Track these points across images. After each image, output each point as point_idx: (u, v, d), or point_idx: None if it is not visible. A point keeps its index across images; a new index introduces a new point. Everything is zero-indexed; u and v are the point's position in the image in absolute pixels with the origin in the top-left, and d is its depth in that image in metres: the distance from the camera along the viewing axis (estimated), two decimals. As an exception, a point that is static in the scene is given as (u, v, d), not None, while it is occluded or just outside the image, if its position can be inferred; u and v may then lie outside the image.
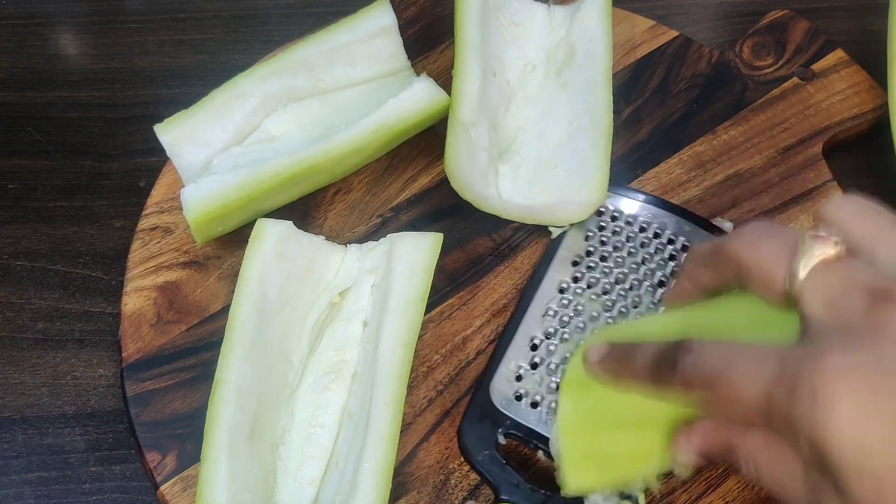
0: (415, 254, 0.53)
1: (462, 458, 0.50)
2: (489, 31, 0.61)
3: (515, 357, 0.52)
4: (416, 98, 0.58)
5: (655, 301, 0.53)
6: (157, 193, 0.59)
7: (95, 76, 0.69)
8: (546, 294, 0.53)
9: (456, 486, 0.50)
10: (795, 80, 0.65)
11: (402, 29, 0.67)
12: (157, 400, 0.52)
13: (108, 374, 0.56)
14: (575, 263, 0.54)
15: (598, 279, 0.54)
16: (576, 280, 0.54)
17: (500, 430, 0.49)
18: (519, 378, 0.51)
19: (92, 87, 0.68)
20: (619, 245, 0.55)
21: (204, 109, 0.56)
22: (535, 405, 0.50)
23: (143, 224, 0.58)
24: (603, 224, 0.56)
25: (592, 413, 0.42)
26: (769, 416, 0.32)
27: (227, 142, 0.56)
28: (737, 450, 0.36)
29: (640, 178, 0.61)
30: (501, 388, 0.51)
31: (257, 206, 0.55)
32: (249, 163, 0.54)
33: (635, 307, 0.53)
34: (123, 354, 0.53)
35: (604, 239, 0.55)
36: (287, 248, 0.52)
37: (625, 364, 0.39)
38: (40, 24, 0.72)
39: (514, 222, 0.58)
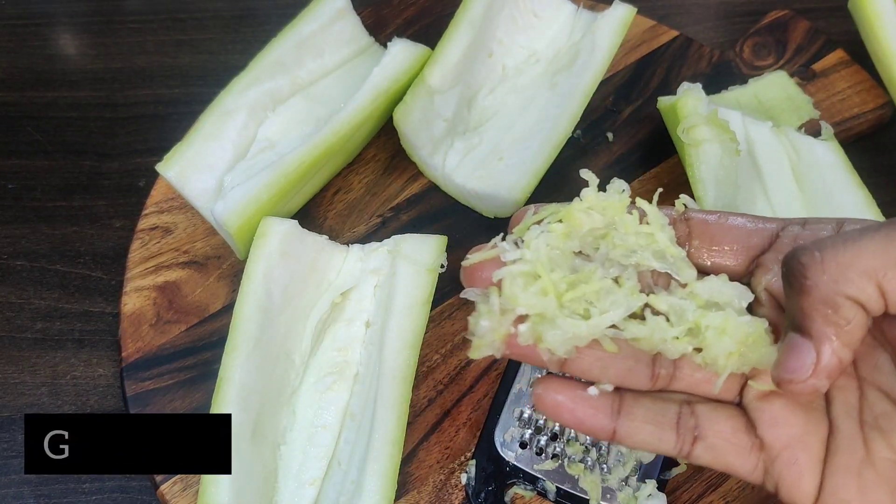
0: (419, 256, 0.53)
1: (461, 458, 0.50)
2: (498, 13, 0.61)
3: (515, 406, 0.50)
4: (399, 59, 0.58)
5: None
6: (157, 193, 0.59)
7: (95, 76, 0.69)
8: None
9: (456, 486, 0.49)
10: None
11: (402, 29, 0.67)
12: (156, 400, 0.52)
13: (108, 373, 0.56)
14: None
15: None
16: None
17: (508, 481, 0.48)
18: (522, 423, 0.49)
19: (91, 87, 0.68)
20: None
21: (198, 136, 0.55)
22: (539, 452, 0.49)
23: (143, 224, 0.58)
24: None
25: None
26: None
27: (230, 160, 0.56)
28: None
29: (641, 178, 0.61)
30: (505, 437, 0.49)
31: (286, 203, 0.55)
32: (261, 171, 0.54)
33: None
34: (123, 354, 0.53)
35: None
36: (292, 246, 0.52)
37: None
38: (40, 24, 0.72)
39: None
